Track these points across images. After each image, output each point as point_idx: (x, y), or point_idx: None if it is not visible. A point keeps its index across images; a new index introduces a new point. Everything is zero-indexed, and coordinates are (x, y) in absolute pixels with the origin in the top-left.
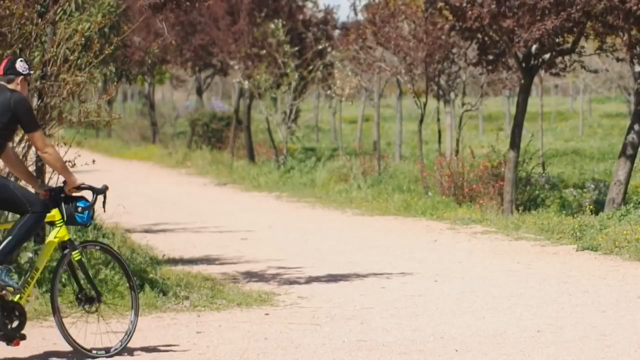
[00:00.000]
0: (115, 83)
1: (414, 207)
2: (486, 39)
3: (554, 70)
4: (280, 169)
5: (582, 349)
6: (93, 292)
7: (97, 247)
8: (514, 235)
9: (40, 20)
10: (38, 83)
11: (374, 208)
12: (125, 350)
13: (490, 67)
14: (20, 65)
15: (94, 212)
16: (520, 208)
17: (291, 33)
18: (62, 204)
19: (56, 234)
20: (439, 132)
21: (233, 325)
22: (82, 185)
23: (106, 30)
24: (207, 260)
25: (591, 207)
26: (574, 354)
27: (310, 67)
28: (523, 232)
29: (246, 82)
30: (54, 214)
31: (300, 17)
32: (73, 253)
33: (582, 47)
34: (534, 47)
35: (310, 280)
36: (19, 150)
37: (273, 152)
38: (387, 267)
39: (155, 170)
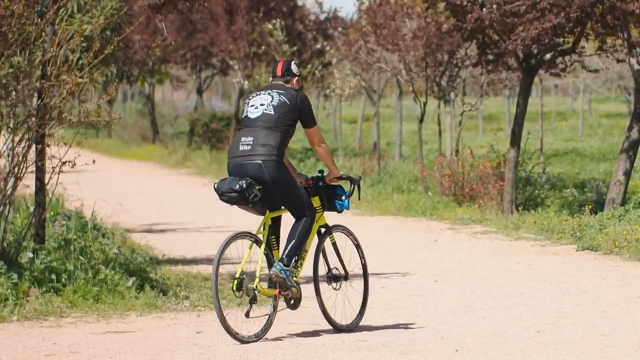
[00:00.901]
0: (115, 83)
1: (414, 207)
2: (486, 39)
3: (554, 71)
4: None
5: (582, 349)
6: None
7: (342, 231)
8: (514, 235)
9: (40, 20)
10: (38, 83)
11: (374, 208)
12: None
13: (490, 67)
14: (294, 67)
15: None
16: (520, 208)
17: (290, 32)
18: (322, 192)
19: (317, 220)
20: (439, 132)
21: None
22: (343, 176)
23: (108, 32)
24: (208, 260)
25: (590, 207)
26: (574, 354)
27: (309, 67)
28: (523, 232)
29: (246, 82)
30: (315, 201)
31: (303, 20)
32: (329, 236)
33: (582, 47)
34: (534, 47)
35: (310, 280)
36: (19, 150)
37: None
38: (387, 267)
39: (155, 170)
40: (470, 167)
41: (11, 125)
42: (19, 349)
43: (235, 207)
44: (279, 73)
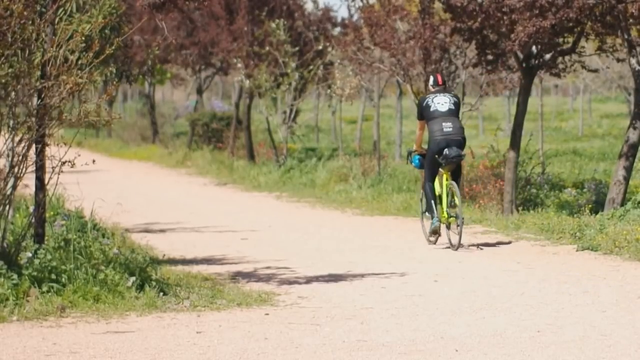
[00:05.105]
0: (115, 83)
1: (414, 207)
2: (485, 39)
3: (553, 71)
4: (280, 169)
5: (582, 349)
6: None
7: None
8: (514, 235)
9: (39, 20)
10: (38, 83)
11: (374, 208)
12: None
13: (490, 68)
14: (445, 77)
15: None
16: (520, 208)
17: (291, 32)
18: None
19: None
20: None
21: (233, 325)
22: None
23: (107, 31)
24: (207, 260)
25: (590, 207)
26: (574, 354)
27: (311, 67)
28: (523, 232)
29: (247, 82)
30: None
31: (302, 19)
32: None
33: (582, 47)
34: (534, 47)
35: (310, 280)
36: (19, 150)
37: (273, 152)
38: (387, 267)
39: (155, 170)
40: (470, 167)
41: (11, 125)
42: (19, 349)
43: (235, 207)
44: (440, 82)
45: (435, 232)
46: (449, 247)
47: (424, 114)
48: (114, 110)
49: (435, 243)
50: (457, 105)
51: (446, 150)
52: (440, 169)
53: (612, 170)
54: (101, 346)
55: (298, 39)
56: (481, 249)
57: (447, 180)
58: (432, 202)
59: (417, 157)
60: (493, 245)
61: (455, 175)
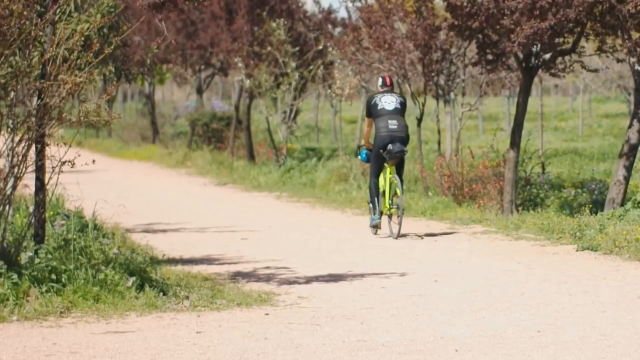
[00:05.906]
0: (114, 82)
1: (413, 207)
2: (485, 39)
3: (553, 71)
4: (280, 169)
5: (582, 349)
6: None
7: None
8: (514, 235)
9: (39, 20)
10: (38, 83)
11: None
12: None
13: (490, 67)
14: (394, 80)
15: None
16: (520, 208)
17: (291, 32)
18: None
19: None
20: (439, 132)
21: (233, 325)
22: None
23: (105, 30)
24: (207, 260)
25: (590, 207)
26: (574, 354)
27: (311, 67)
28: (523, 232)
29: (247, 82)
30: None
31: (301, 17)
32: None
33: (582, 47)
34: (534, 47)
35: (310, 280)
36: (19, 150)
37: (273, 152)
38: (387, 267)
39: (155, 170)
40: (470, 167)
41: (11, 125)
42: (19, 349)
43: (235, 207)
44: (389, 84)
45: (375, 227)
46: (389, 236)
47: (372, 111)
48: (114, 110)
49: (376, 233)
50: (403, 105)
51: (390, 146)
52: (384, 164)
53: (612, 170)
54: (101, 346)
55: (298, 38)
56: (423, 238)
57: (390, 174)
58: (375, 198)
59: (365, 151)
60: (434, 235)
61: (398, 169)
